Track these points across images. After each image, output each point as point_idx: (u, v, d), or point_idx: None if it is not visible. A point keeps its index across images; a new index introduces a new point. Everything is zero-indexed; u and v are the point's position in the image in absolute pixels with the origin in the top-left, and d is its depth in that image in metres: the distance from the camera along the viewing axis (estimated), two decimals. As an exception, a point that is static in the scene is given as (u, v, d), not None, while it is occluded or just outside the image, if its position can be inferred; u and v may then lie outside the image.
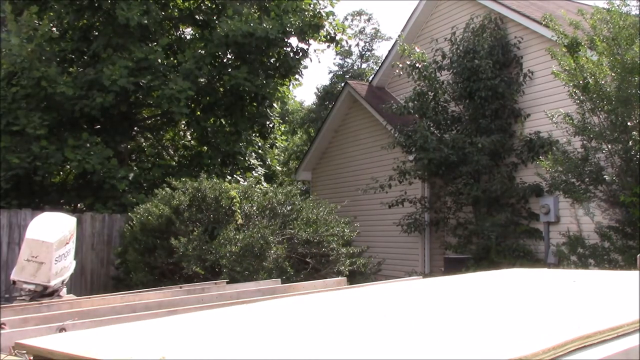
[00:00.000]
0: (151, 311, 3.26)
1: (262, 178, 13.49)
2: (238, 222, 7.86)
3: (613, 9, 8.21)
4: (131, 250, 8.44)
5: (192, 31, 13.91)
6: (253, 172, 13.39)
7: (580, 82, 7.91)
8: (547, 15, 8.86)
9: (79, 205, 11.80)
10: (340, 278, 5.20)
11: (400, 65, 11.44)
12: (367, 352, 1.40)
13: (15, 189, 10.47)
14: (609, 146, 7.94)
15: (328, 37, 12.79)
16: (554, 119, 8.58)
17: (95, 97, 10.54)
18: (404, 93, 12.32)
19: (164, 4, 12.47)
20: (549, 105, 9.55)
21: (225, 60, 12.86)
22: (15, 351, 1.59)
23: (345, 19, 34.02)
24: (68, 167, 11.43)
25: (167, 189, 8.78)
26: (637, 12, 8.76)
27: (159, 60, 11.33)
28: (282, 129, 16.62)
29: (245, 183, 10.23)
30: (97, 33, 12.00)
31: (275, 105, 13.85)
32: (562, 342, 1.39)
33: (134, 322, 2.12)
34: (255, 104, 12.97)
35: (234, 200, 8.08)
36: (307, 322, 1.91)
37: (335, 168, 14.88)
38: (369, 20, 35.45)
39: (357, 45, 34.39)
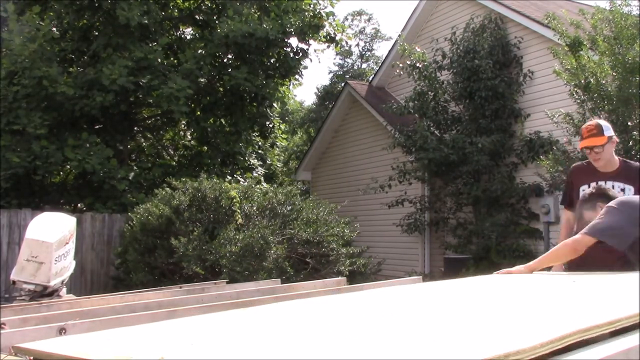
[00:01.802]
0: (151, 311, 3.26)
1: (262, 178, 13.50)
2: (238, 222, 7.86)
3: (615, 8, 8.22)
4: (131, 250, 8.44)
5: (192, 31, 13.92)
6: (253, 172, 13.40)
7: (582, 81, 7.92)
8: (550, 14, 8.85)
9: (79, 205, 11.81)
10: (340, 278, 5.19)
11: (401, 65, 11.45)
12: (365, 352, 1.40)
13: (15, 189, 10.48)
14: (609, 146, 7.94)
15: (328, 37, 12.79)
16: (554, 118, 8.59)
17: (96, 97, 10.55)
18: (404, 93, 12.32)
19: (164, 4, 12.48)
20: (549, 105, 9.56)
21: (225, 61, 12.86)
22: (15, 352, 1.59)
23: (345, 19, 34.06)
24: (68, 167, 11.44)
25: (167, 189, 8.78)
26: (638, 13, 8.76)
27: (159, 60, 11.34)
28: (283, 128, 16.62)
29: (245, 183, 10.23)
30: (97, 33, 12.01)
31: (275, 105, 13.86)
32: (559, 336, 1.39)
33: (134, 326, 2.12)
34: (255, 104, 12.98)
35: (234, 200, 8.08)
36: (307, 325, 1.92)
37: (335, 168, 14.88)
38: (369, 20, 35.49)
39: (357, 45, 34.43)
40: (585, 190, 3.71)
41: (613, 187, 3.68)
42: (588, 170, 3.83)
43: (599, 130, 3.75)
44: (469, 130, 10.55)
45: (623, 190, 3.70)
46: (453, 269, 9.81)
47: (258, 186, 9.72)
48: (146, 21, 11.06)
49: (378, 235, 12.57)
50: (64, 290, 4.80)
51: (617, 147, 7.70)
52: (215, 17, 12.84)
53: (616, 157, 3.90)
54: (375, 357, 1.34)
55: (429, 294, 2.63)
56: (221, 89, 12.73)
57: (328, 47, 13.29)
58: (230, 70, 12.08)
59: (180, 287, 4.74)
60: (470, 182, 10.34)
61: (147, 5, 11.13)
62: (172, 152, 14.30)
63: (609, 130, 3.79)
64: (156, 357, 1.37)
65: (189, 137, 14.36)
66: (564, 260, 3.16)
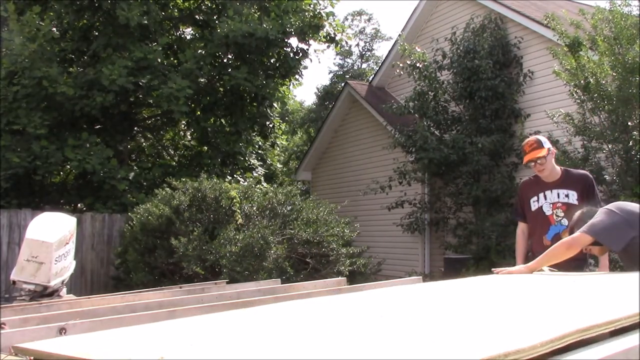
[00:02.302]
0: (151, 311, 3.26)
1: (262, 178, 13.49)
2: (238, 222, 7.86)
3: (615, 8, 8.21)
4: (131, 250, 8.44)
5: (192, 31, 13.91)
6: (253, 172, 13.39)
7: (582, 81, 7.92)
8: (550, 14, 8.85)
9: (79, 205, 11.80)
10: (340, 278, 5.19)
11: (401, 65, 11.44)
12: (365, 352, 1.40)
13: (15, 189, 10.47)
14: (610, 146, 7.94)
15: (328, 37, 12.78)
16: (554, 118, 8.59)
17: (96, 97, 10.55)
18: (404, 93, 12.32)
19: (164, 4, 12.47)
20: (549, 105, 9.56)
21: (225, 60, 12.85)
22: (15, 352, 1.59)
23: (346, 19, 34.07)
24: (68, 167, 11.43)
25: (167, 189, 8.78)
26: (638, 13, 8.76)
27: (159, 60, 11.33)
28: (283, 128, 16.62)
29: (245, 183, 10.22)
30: (97, 33, 12.00)
31: (275, 105, 13.85)
32: (559, 335, 1.39)
33: (135, 326, 2.12)
34: (255, 104, 12.97)
35: (234, 200, 8.07)
36: (307, 325, 1.92)
37: (335, 168, 14.88)
38: (369, 20, 35.50)
39: (357, 45, 34.43)
40: (535, 200, 4.20)
41: (558, 194, 4.13)
42: (535, 183, 4.30)
43: (539, 144, 4.17)
44: (469, 130, 10.55)
45: (567, 195, 4.13)
46: (453, 269, 9.81)
47: (258, 186, 9.71)
48: (146, 21, 11.05)
49: (378, 235, 12.57)
50: (64, 290, 4.81)
51: (616, 147, 7.77)
52: (215, 17, 12.83)
53: (558, 167, 4.32)
54: (376, 357, 1.34)
55: (429, 294, 2.63)
56: (221, 89, 12.71)
57: (328, 47, 13.29)
58: (230, 70, 12.07)
59: (181, 287, 4.74)
60: (470, 182, 10.34)
61: (147, 5, 11.12)
62: (172, 152, 14.29)
63: (547, 143, 4.21)
64: (156, 357, 1.37)
65: (189, 137, 14.35)
66: (562, 258, 3.25)
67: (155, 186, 10.71)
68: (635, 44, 7.61)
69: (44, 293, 4.39)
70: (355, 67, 33.69)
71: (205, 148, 13.18)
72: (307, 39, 12.50)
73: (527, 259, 4.20)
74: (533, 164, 4.17)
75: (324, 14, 12.52)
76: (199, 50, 12.24)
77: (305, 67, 13.22)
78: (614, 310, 1.74)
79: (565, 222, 4.02)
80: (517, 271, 3.32)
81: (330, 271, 7.74)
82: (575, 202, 4.05)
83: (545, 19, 9.05)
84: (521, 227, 4.39)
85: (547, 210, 4.18)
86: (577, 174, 4.34)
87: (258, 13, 12.12)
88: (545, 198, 4.20)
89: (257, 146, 14.09)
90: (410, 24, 13.16)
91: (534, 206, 4.25)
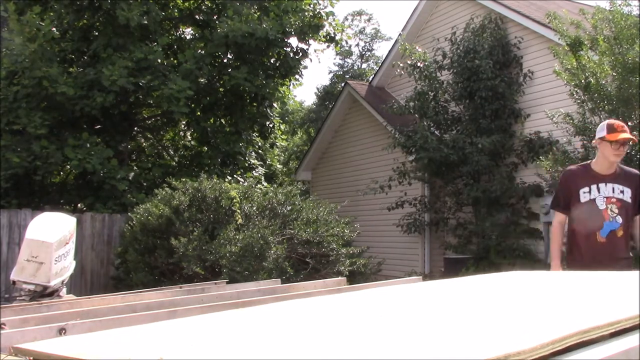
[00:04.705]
0: (152, 311, 3.25)
1: (262, 178, 13.49)
2: (238, 222, 7.85)
3: (615, 8, 8.22)
4: (131, 250, 8.44)
5: (192, 31, 13.92)
6: (253, 172, 13.39)
7: (582, 81, 7.92)
8: (552, 13, 8.85)
9: (79, 205, 11.80)
10: (340, 278, 5.19)
11: (401, 65, 11.45)
12: (365, 352, 1.40)
13: (15, 189, 10.48)
14: (609, 146, 7.93)
15: (328, 37, 12.79)
16: (554, 118, 8.60)
17: (96, 97, 10.56)
18: (404, 93, 12.33)
19: (164, 4, 12.47)
20: (549, 105, 9.56)
21: (225, 61, 12.86)
22: (14, 353, 1.59)
23: (346, 19, 34.08)
24: (68, 167, 11.43)
25: (167, 189, 8.78)
26: (638, 13, 8.77)
27: (159, 60, 11.33)
28: (282, 128, 16.62)
29: (245, 183, 10.22)
30: (97, 33, 12.01)
31: (275, 105, 13.86)
32: (560, 337, 1.39)
33: (134, 326, 2.12)
34: (255, 104, 12.98)
35: (234, 200, 8.07)
36: (307, 325, 1.92)
37: (335, 168, 14.88)
38: (369, 20, 35.52)
39: (357, 45, 34.45)
40: (586, 192, 3.86)
41: (613, 189, 3.82)
42: (585, 173, 3.94)
43: (627, 129, 3.90)
44: (469, 130, 10.55)
45: (622, 191, 3.83)
46: (453, 269, 9.81)
47: (258, 186, 9.72)
48: (146, 21, 11.05)
49: (378, 235, 12.57)
50: (64, 290, 4.80)
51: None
52: (215, 17, 12.83)
53: None
54: (375, 357, 1.34)
55: (429, 294, 2.63)
56: (221, 89, 12.72)
57: (328, 47, 13.29)
58: (230, 70, 12.07)
59: (181, 287, 4.73)
60: (470, 182, 10.35)
61: (147, 5, 11.12)
62: (172, 152, 14.29)
63: None
64: (156, 358, 1.37)
65: (189, 137, 14.35)
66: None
67: (155, 186, 10.70)
68: (635, 44, 7.61)
69: (44, 293, 4.39)
70: (355, 67, 33.70)
71: (205, 148, 13.18)
72: (307, 38, 12.50)
73: (571, 255, 3.94)
74: (618, 145, 3.77)
75: (323, 14, 12.52)
76: (199, 51, 12.24)
77: (305, 67, 13.22)
78: (614, 311, 1.74)
79: (619, 219, 3.78)
80: None
81: (330, 271, 7.74)
82: (629, 200, 3.81)
83: (547, 17, 9.04)
84: (559, 219, 3.99)
85: (601, 204, 3.82)
86: (631, 172, 4.03)
87: (258, 13, 12.12)
88: (599, 191, 3.84)
89: (257, 146, 14.09)
90: (411, 24, 13.16)
91: (584, 197, 3.86)
